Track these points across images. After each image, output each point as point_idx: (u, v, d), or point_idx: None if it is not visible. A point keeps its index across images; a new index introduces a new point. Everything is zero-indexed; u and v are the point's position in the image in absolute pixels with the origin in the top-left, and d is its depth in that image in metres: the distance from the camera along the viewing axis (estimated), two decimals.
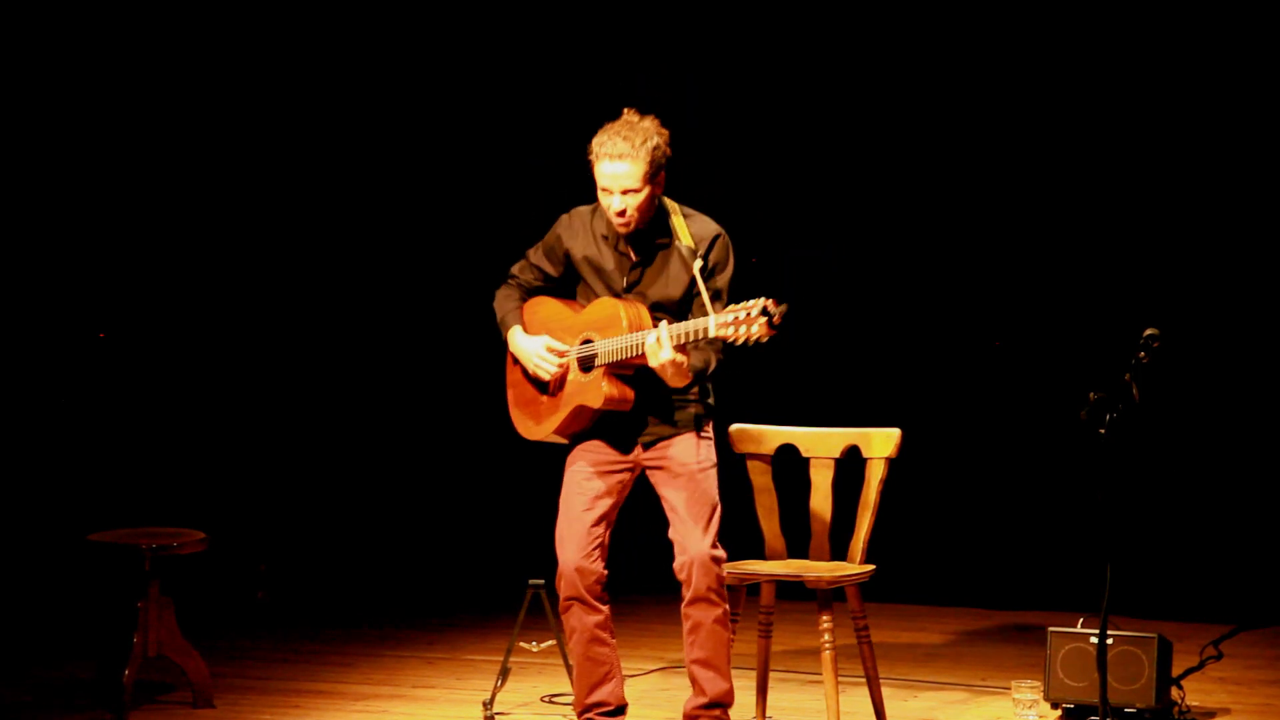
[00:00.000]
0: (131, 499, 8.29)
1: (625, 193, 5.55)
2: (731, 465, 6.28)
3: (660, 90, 8.68)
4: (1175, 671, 6.42)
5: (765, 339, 5.26)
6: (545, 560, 6.56)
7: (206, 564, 7.12)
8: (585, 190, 5.76)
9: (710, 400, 5.77)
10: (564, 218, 5.83)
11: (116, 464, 8.59)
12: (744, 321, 5.25)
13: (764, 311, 5.22)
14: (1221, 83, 8.30)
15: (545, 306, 5.84)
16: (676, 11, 8.95)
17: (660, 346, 5.42)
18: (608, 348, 5.60)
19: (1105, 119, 8.48)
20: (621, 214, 5.57)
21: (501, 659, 6.59)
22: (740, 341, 5.28)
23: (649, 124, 5.59)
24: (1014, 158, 8.62)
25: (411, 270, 9.26)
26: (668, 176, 5.63)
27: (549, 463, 6.61)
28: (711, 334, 5.33)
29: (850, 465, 6.20)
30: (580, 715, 5.79)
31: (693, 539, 5.61)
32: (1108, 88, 8.45)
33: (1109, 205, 8.52)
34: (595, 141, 5.58)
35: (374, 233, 9.26)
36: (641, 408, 5.67)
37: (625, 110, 5.65)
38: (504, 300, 5.91)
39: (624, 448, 5.73)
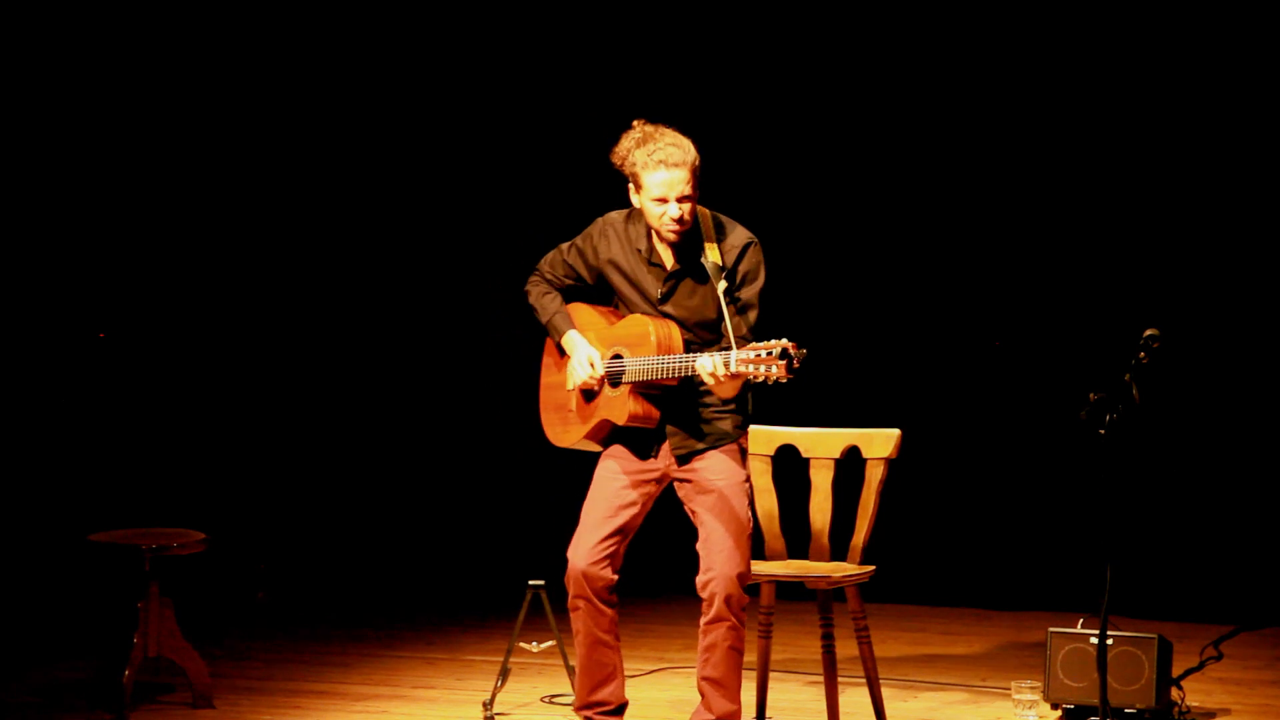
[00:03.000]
0: (131, 499, 8.29)
1: (681, 200, 5.53)
2: None
3: (665, 91, 8.68)
4: (1175, 671, 6.41)
5: (784, 381, 5.25)
6: (546, 561, 6.57)
7: (206, 564, 7.12)
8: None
9: (748, 411, 5.73)
10: (599, 222, 5.78)
11: (116, 464, 8.59)
12: (764, 361, 5.24)
13: (784, 354, 5.21)
14: (1221, 83, 8.30)
15: (581, 314, 5.81)
16: (676, 14, 8.95)
17: (717, 377, 5.37)
18: (635, 366, 5.58)
19: (1105, 119, 8.48)
20: (679, 221, 5.54)
21: (501, 659, 6.59)
22: (759, 380, 5.27)
23: (675, 130, 5.57)
24: (1013, 158, 8.62)
25: (411, 271, 9.25)
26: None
27: (549, 463, 6.62)
28: (733, 369, 5.31)
29: (850, 465, 6.19)
30: (579, 711, 5.79)
31: (720, 558, 5.58)
32: (1108, 88, 8.45)
33: (1108, 205, 8.51)
34: (640, 151, 5.52)
35: (375, 234, 9.26)
36: (674, 419, 5.65)
37: (636, 121, 5.61)
38: (545, 299, 5.84)
39: (654, 457, 5.71)
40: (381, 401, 9.31)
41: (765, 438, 6.27)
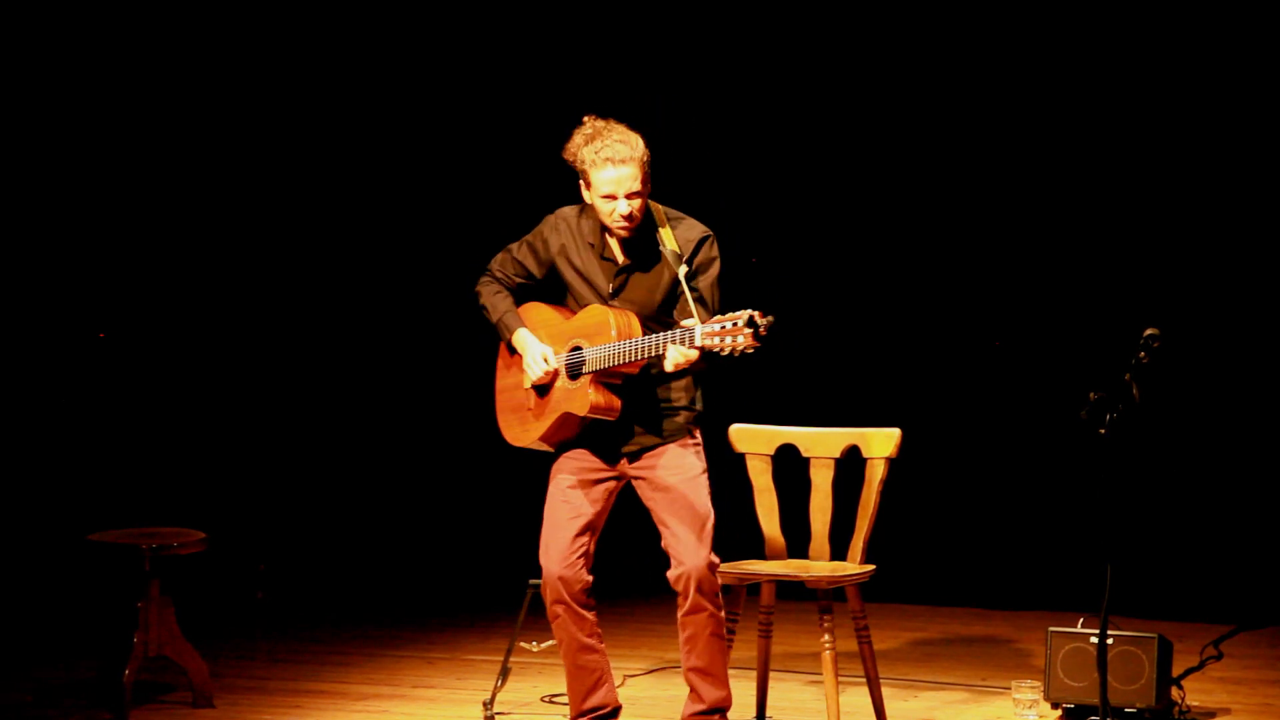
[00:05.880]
0: (131, 499, 8.29)
1: (630, 196, 5.53)
2: (731, 465, 6.28)
3: (664, 90, 8.69)
4: (1175, 671, 6.42)
5: (751, 350, 5.24)
6: None
7: (206, 564, 7.12)
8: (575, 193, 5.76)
9: (699, 406, 5.75)
10: (549, 219, 5.78)
11: (116, 464, 8.59)
12: (729, 332, 5.23)
13: (750, 323, 5.20)
14: (1221, 83, 8.30)
15: (536, 312, 5.81)
16: (678, 10, 8.95)
17: (686, 355, 5.36)
18: (596, 355, 5.57)
19: (1105, 119, 8.48)
20: (628, 218, 5.55)
21: (501, 659, 6.59)
22: (725, 352, 5.25)
23: (624, 126, 5.57)
24: (1013, 158, 8.62)
25: (411, 271, 9.26)
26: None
27: (549, 463, 6.62)
28: (697, 343, 5.30)
29: (850, 465, 6.19)
30: None
31: (688, 550, 5.59)
32: (1108, 88, 8.46)
33: (1108, 205, 8.52)
34: (588, 148, 5.52)
35: (374, 234, 9.26)
36: (628, 417, 5.64)
37: (587, 117, 5.60)
38: (495, 298, 5.84)
39: (610, 457, 5.71)
40: (381, 401, 9.31)
41: (765, 438, 6.27)
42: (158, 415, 8.83)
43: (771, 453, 6.28)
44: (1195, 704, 6.56)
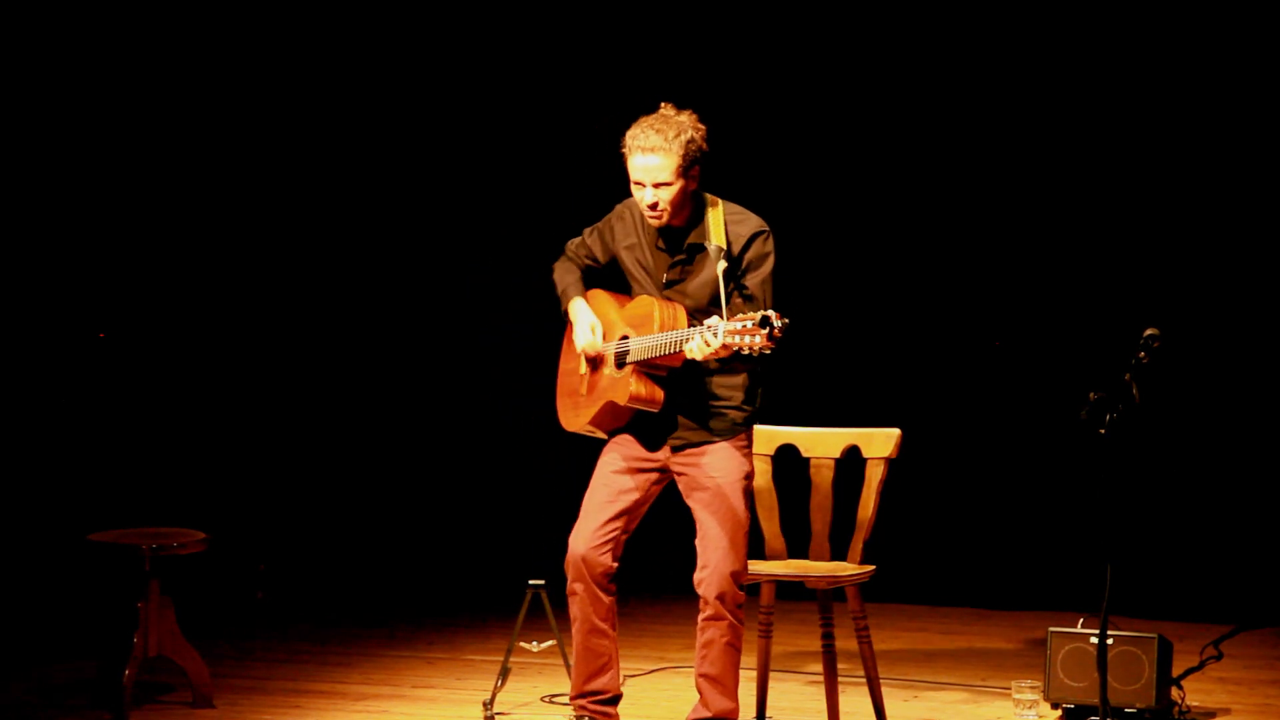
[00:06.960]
0: (131, 499, 8.29)
1: (657, 186, 5.53)
2: None
3: (662, 89, 8.67)
4: (1175, 671, 6.42)
5: (767, 351, 5.24)
6: (545, 560, 6.57)
7: (206, 564, 7.12)
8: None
9: (755, 405, 5.72)
10: (618, 208, 5.82)
11: (116, 464, 8.59)
12: (746, 331, 5.24)
13: (764, 323, 5.21)
14: (1221, 83, 8.30)
15: (597, 299, 5.84)
16: (678, 8, 8.95)
17: (705, 352, 5.37)
18: (639, 346, 5.59)
19: (1105, 119, 8.48)
20: (653, 207, 5.56)
21: (501, 659, 6.59)
22: (745, 351, 5.26)
23: (685, 118, 5.57)
24: (1013, 157, 8.62)
25: (412, 271, 9.25)
26: (706, 171, 5.60)
27: (548, 462, 6.62)
28: (720, 340, 5.31)
29: (850, 465, 6.19)
30: (573, 700, 5.79)
31: (715, 556, 5.58)
32: (1107, 88, 8.46)
33: (1108, 205, 8.52)
34: (629, 134, 5.56)
35: (375, 233, 9.26)
36: (674, 410, 5.65)
37: (662, 104, 5.64)
38: (564, 273, 5.89)
39: (654, 448, 5.72)
40: (380, 401, 9.31)
41: (765, 438, 6.26)
42: (158, 415, 8.83)
43: (771, 453, 6.28)
44: (1195, 704, 6.56)
